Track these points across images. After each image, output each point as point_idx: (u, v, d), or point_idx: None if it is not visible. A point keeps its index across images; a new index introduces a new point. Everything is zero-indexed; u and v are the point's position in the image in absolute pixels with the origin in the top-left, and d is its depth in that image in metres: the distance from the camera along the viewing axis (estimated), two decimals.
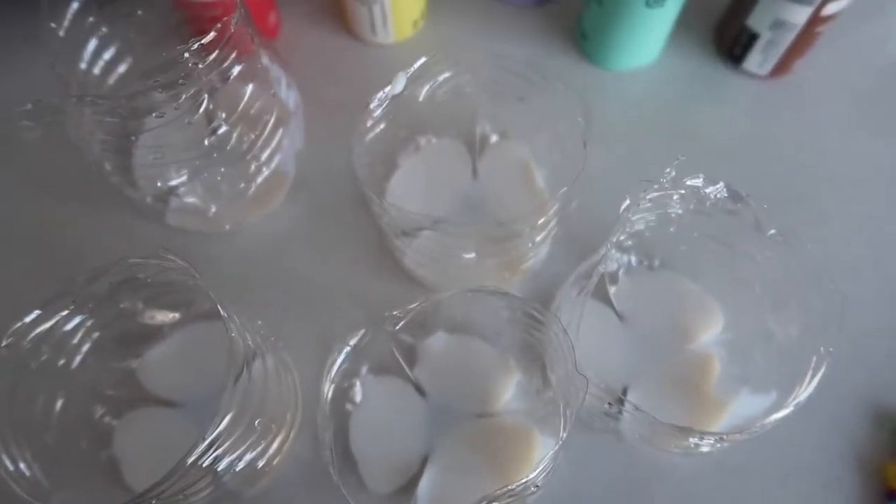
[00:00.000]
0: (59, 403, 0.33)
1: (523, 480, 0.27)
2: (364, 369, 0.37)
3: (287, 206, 0.43)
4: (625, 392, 0.37)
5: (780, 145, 0.46)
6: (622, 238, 0.32)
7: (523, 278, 0.41)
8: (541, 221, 0.33)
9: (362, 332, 0.34)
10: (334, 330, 0.39)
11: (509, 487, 0.27)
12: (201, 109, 0.30)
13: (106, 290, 0.31)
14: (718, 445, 0.31)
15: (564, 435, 0.28)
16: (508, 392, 0.37)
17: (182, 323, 0.38)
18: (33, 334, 0.30)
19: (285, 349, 0.38)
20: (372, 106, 0.34)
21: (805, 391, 0.30)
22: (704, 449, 0.32)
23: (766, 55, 0.46)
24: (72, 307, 0.31)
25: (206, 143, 0.33)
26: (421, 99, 0.38)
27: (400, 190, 0.41)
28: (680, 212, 0.34)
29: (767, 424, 0.29)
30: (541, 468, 0.27)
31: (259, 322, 0.35)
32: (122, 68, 0.39)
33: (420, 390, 0.37)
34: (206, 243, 0.42)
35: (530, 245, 0.35)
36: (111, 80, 0.37)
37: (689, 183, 0.31)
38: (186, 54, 0.28)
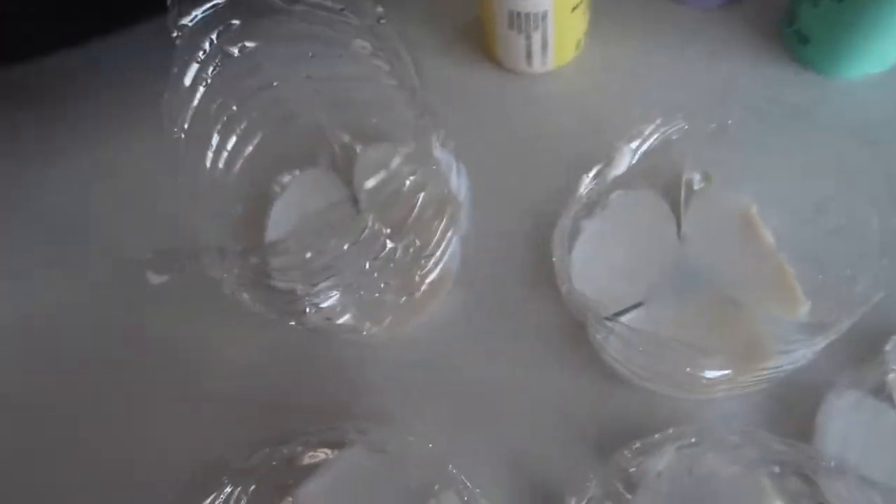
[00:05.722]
0: None
1: None
2: None
3: (449, 301, 0.34)
4: None
5: None
6: None
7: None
8: None
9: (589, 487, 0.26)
10: (521, 453, 0.31)
11: None
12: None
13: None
14: None
15: None
16: None
17: (341, 455, 0.30)
18: None
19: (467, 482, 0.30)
20: (582, 191, 0.26)
21: None
22: None
23: None
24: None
25: (366, 266, 0.25)
26: None
27: (583, 262, 0.33)
28: None
29: None
30: None
31: (430, 445, 0.28)
32: None
33: None
34: (352, 347, 0.34)
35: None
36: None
37: None
38: None
